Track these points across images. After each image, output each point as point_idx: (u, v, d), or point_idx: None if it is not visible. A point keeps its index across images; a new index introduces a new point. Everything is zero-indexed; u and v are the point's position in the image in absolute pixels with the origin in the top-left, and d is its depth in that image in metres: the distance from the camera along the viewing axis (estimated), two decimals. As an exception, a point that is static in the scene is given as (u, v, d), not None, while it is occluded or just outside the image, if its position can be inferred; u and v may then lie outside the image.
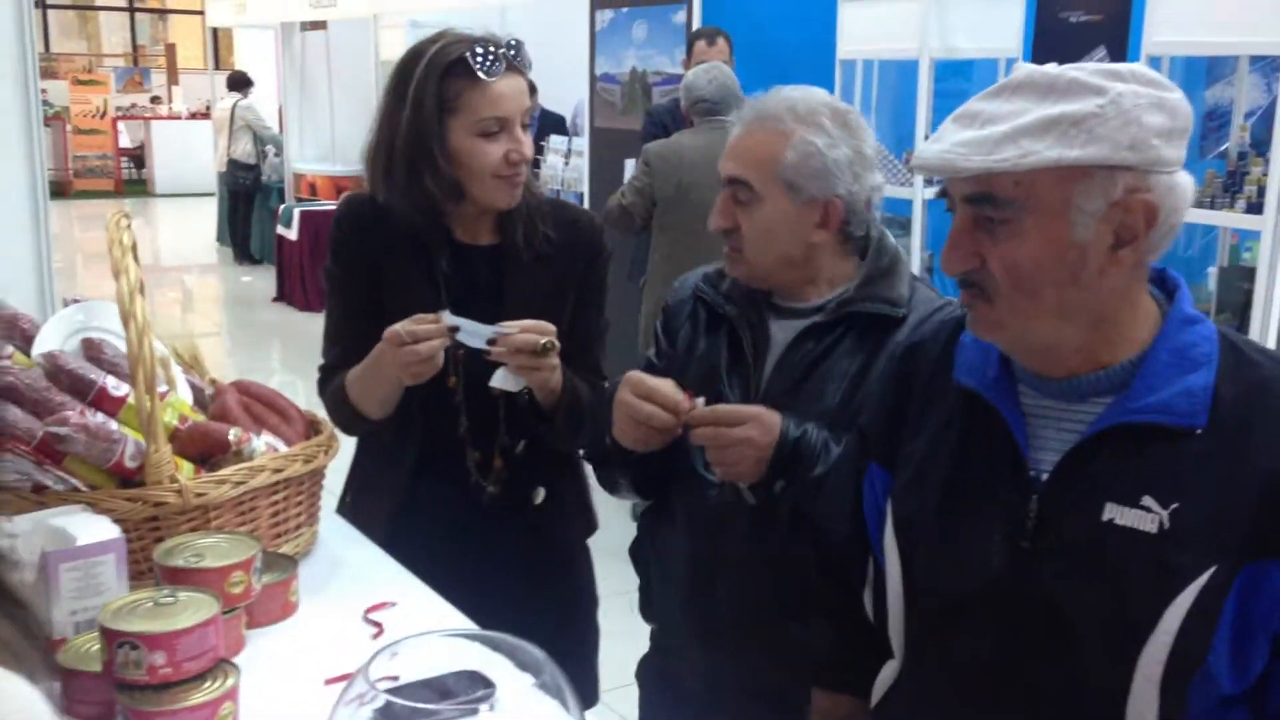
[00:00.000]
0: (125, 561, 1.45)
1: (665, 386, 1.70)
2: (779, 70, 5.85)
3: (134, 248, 1.64)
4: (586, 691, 2.20)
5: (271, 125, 12.09)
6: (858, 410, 1.67)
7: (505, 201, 1.99)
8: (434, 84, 1.91)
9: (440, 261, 2.02)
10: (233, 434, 1.65)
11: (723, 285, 1.91)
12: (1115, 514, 1.23)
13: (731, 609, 1.84)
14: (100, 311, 1.78)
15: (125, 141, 18.02)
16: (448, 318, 1.83)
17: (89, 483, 1.56)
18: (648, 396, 1.70)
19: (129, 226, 1.62)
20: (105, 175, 17.71)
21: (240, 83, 12.12)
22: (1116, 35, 5.78)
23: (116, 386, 1.63)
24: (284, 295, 10.09)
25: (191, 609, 1.33)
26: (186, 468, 1.61)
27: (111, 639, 1.29)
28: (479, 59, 1.89)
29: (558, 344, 1.86)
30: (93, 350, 1.68)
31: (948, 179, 1.27)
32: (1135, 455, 1.24)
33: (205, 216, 13.79)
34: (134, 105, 17.91)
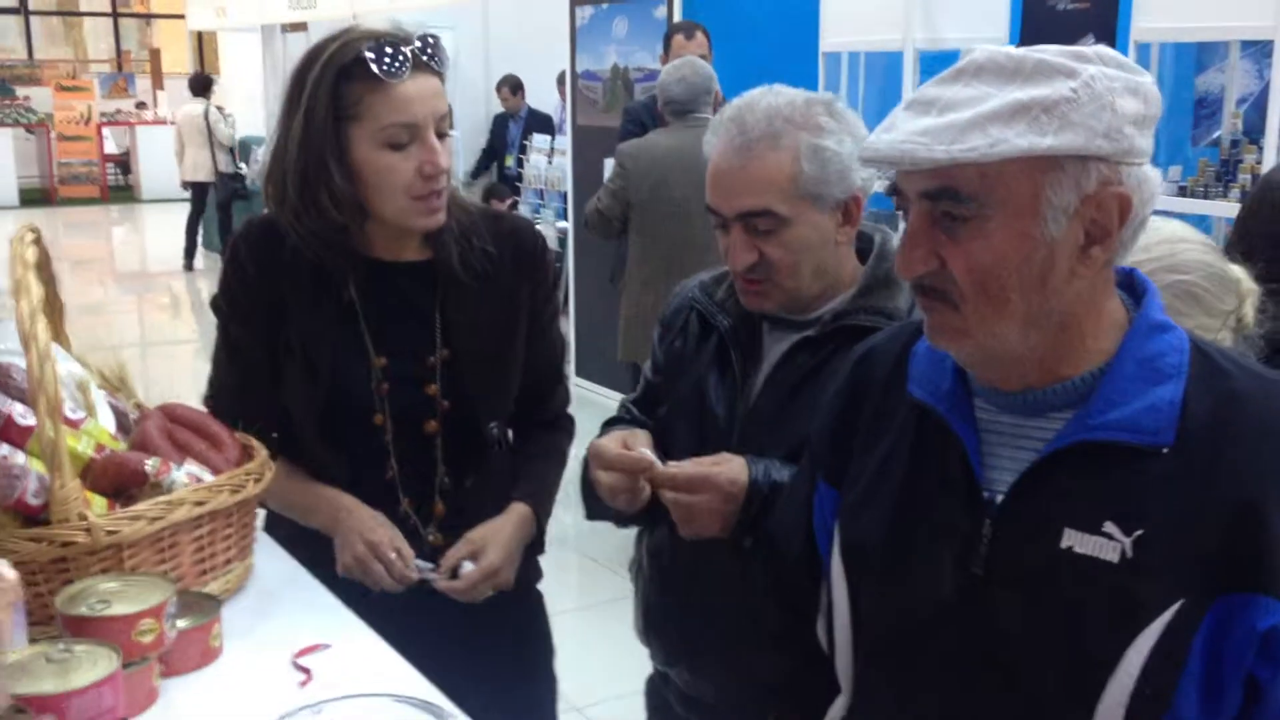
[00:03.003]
0: (23, 611, 1.33)
1: (623, 460, 1.63)
2: (761, 64, 5.73)
3: (40, 265, 1.52)
4: None
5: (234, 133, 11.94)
6: None
7: (424, 224, 1.76)
8: (328, 87, 1.68)
9: (348, 286, 1.80)
10: (149, 464, 1.52)
11: (718, 294, 1.80)
12: (1074, 541, 1.12)
13: (713, 633, 1.77)
14: (11, 333, 1.65)
15: (111, 148, 17.90)
16: (419, 570, 1.76)
17: (-9, 522, 1.44)
18: (609, 468, 1.64)
19: (34, 242, 1.50)
20: (91, 182, 17.58)
21: (204, 86, 11.93)
22: (1105, 22, 5.67)
23: (24, 415, 1.50)
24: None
25: (88, 665, 1.21)
26: (98, 503, 1.49)
27: (-4, 702, 1.16)
28: (380, 58, 1.66)
29: (502, 584, 1.80)
30: (1, 375, 1.56)
31: (900, 173, 1.15)
32: (1096, 476, 1.13)
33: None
34: (119, 111, 17.76)
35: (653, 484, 1.61)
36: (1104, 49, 1.10)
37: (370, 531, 1.73)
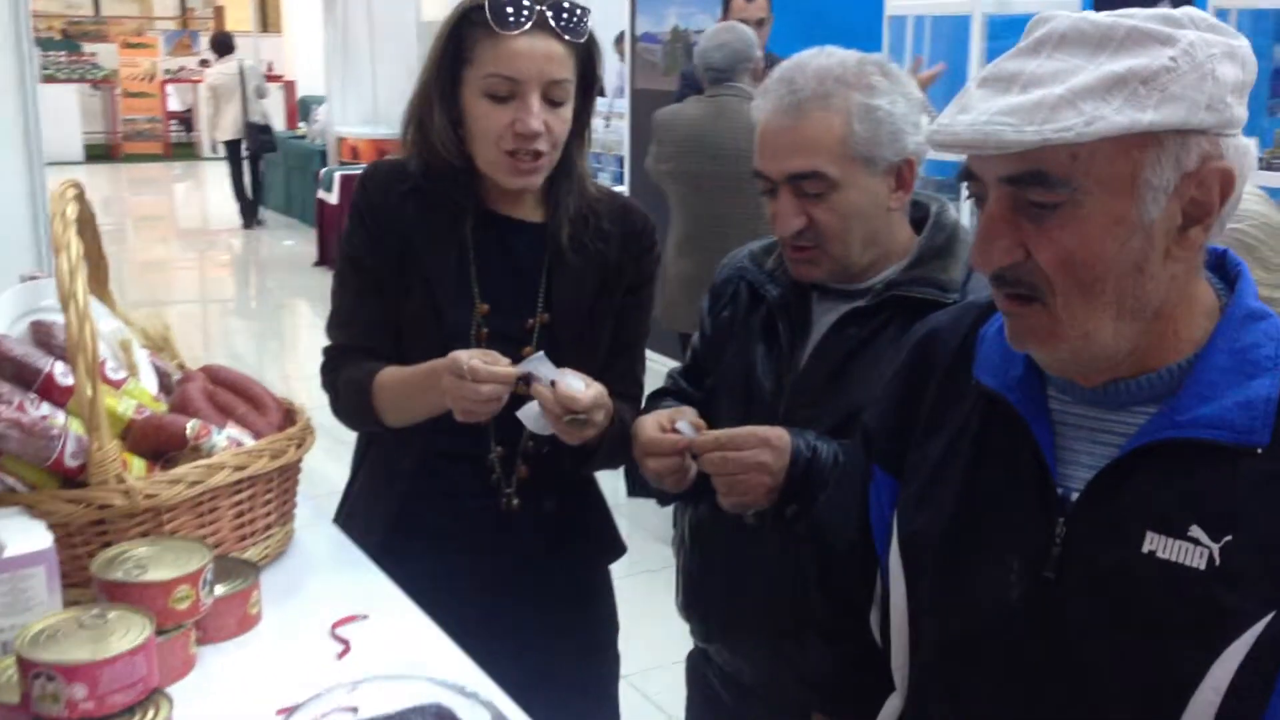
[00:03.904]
0: (58, 574, 1.31)
1: (659, 444, 1.61)
2: (823, 27, 5.61)
3: (83, 222, 1.50)
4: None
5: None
6: None
7: (512, 183, 1.76)
8: (451, 28, 1.73)
9: (466, 228, 1.81)
10: (190, 427, 1.49)
11: (767, 263, 1.76)
12: (1157, 545, 1.04)
13: (751, 615, 1.73)
14: (53, 290, 1.63)
15: (174, 104, 18.04)
16: (526, 363, 1.63)
17: (30, 483, 1.41)
18: (647, 453, 1.62)
19: (76, 198, 1.47)
20: (154, 139, 17.76)
21: (227, 45, 12.20)
22: (1183, -12, 5.50)
23: (65, 374, 1.47)
24: (325, 259, 10.01)
25: (120, 632, 1.18)
26: (138, 465, 1.46)
27: (27, 669, 1.14)
28: (500, 6, 1.66)
29: (596, 420, 1.64)
30: (42, 334, 1.53)
31: (975, 156, 1.07)
32: (1182, 477, 1.04)
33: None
34: (182, 68, 17.89)
35: (696, 450, 1.57)
36: (1195, 11, 1.02)
37: (450, 363, 1.62)
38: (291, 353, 8.12)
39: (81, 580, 1.38)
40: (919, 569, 1.23)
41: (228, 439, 1.52)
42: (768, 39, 4.98)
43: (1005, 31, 5.33)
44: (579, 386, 1.62)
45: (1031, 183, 1.03)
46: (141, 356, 1.69)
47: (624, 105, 7.28)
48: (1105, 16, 1.02)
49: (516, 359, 1.68)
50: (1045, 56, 1.03)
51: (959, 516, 1.18)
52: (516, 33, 1.67)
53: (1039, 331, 1.09)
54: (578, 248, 1.84)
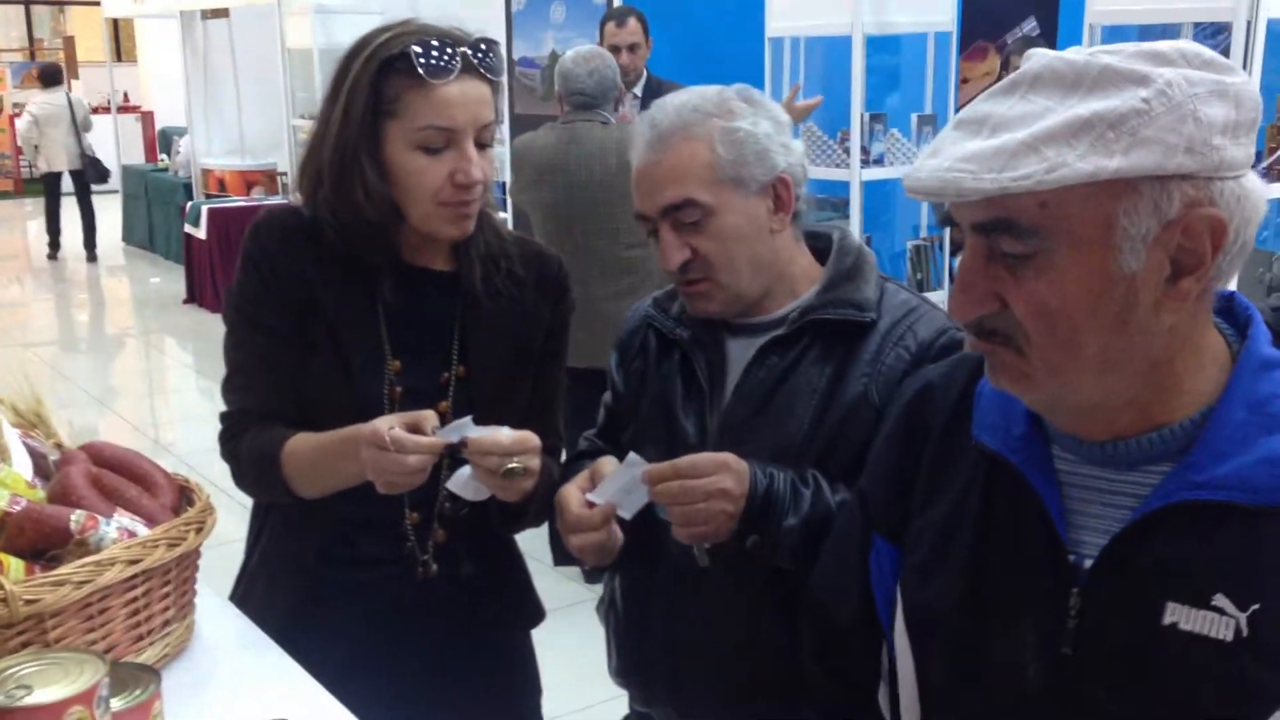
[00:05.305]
0: (-72, 702, 1.15)
1: (583, 521, 1.54)
2: (704, 51, 5.59)
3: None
4: None
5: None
6: (833, 434, 1.52)
7: (450, 232, 1.67)
8: (369, 79, 1.60)
9: (384, 286, 1.69)
10: (74, 519, 1.34)
11: (673, 308, 1.73)
12: (1179, 616, 0.98)
13: (706, 682, 1.67)
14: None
15: (25, 139, 17.30)
16: (445, 431, 1.53)
17: (-110, 594, 1.25)
18: (571, 530, 1.56)
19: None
20: (4, 175, 16.98)
21: (55, 77, 12.13)
22: (1046, 3, 5.63)
23: (-74, 467, 1.32)
24: (194, 297, 9.65)
25: (6, 772, 1.03)
26: (16, 566, 1.31)
27: (-105, 824, 0.99)
28: (426, 55, 1.57)
29: (533, 467, 1.55)
30: (-102, 421, 1.37)
31: (954, 203, 1.00)
32: (1203, 541, 0.98)
33: (110, 214, 13.25)
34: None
35: (650, 480, 1.49)
36: (1188, 45, 0.96)
37: (371, 434, 1.52)
38: (161, 394, 7.79)
39: (-44, 702, 1.23)
40: (928, 644, 1.16)
41: (118, 529, 1.38)
42: (645, 62, 4.93)
43: (880, 50, 5.39)
44: (504, 433, 1.54)
45: (1001, 231, 0.98)
46: (12, 436, 1.53)
47: (503, 131, 7.17)
48: (1082, 54, 0.97)
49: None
50: (1018, 98, 0.97)
51: (968, 589, 1.11)
52: (447, 81, 1.58)
53: (1012, 373, 1.04)
54: (491, 294, 1.74)
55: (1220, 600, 0.97)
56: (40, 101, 11.94)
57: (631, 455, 1.54)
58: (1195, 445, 1.01)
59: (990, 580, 1.10)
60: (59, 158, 11.86)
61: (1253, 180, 0.98)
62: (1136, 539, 1.01)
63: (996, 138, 0.95)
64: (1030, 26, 5.82)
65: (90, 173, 11.87)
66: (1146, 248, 0.96)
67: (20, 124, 12.77)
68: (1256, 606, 0.96)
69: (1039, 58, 0.98)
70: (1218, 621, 0.97)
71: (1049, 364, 1.00)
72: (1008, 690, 1.07)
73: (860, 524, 1.29)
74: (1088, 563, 1.04)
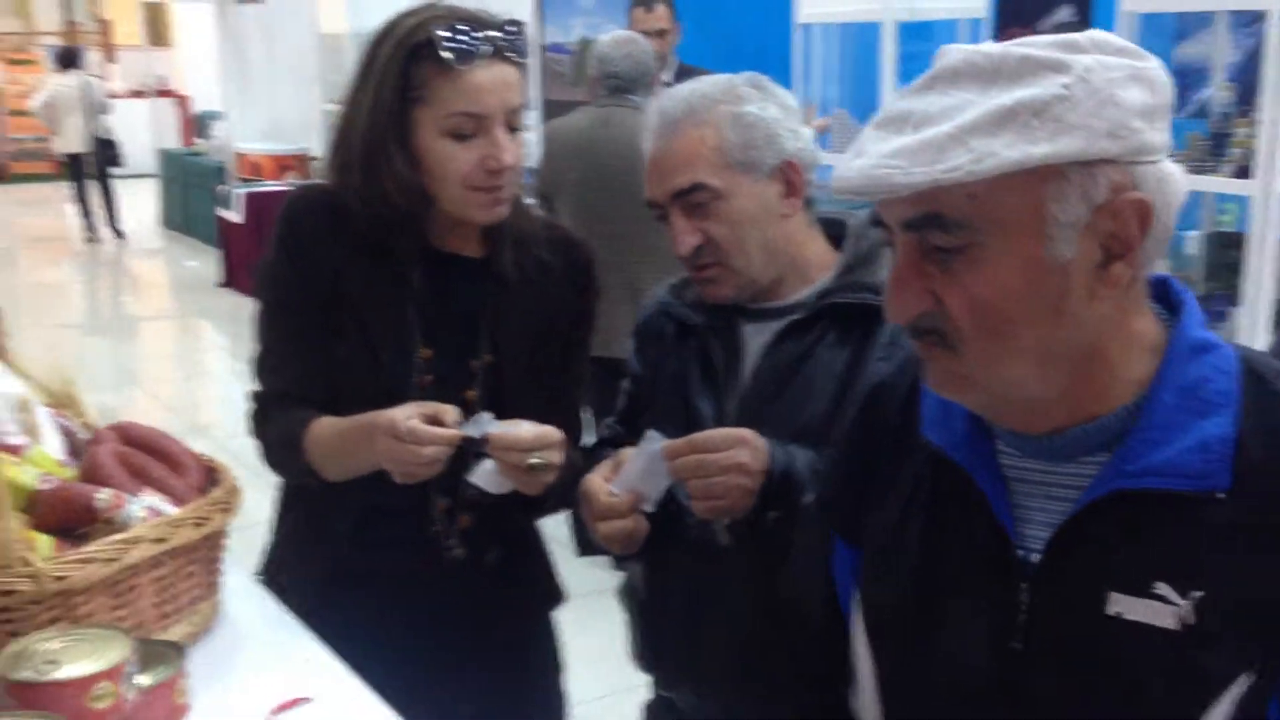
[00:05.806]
0: (-41, 675, 1.18)
1: (612, 508, 1.55)
2: (734, 36, 5.58)
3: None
4: None
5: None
6: None
7: (483, 217, 1.67)
8: (397, 66, 1.59)
9: (413, 273, 1.70)
10: (101, 498, 1.37)
11: (688, 294, 1.74)
12: (1122, 606, 0.98)
13: (724, 662, 1.68)
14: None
15: (63, 122, 17.44)
16: (466, 425, 1.53)
17: (-76, 569, 1.28)
18: (598, 518, 1.56)
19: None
20: (43, 158, 17.12)
21: (70, 59, 12.24)
22: (1086, -8, 5.57)
23: (-42, 446, 1.35)
24: (231, 281, 9.71)
25: (33, 743, 1.06)
26: (44, 544, 1.34)
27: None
28: (453, 40, 1.56)
29: (555, 462, 1.56)
30: (-68, 401, 1.40)
31: (880, 203, 1.00)
32: (1141, 529, 0.98)
33: (147, 198, 13.36)
34: (70, 85, 17.31)
35: (669, 455, 1.50)
36: (1100, 34, 0.97)
37: (388, 424, 1.53)
38: (198, 377, 7.87)
39: (-14, 676, 1.26)
40: (883, 642, 1.16)
41: (145, 509, 1.40)
42: (674, 48, 4.92)
43: (912, 37, 5.36)
44: (525, 428, 1.55)
45: (930, 226, 0.98)
46: (43, 416, 1.56)
47: (533, 117, 7.17)
48: (998, 47, 0.97)
49: (460, 404, 1.59)
50: (938, 93, 0.97)
51: (918, 586, 1.11)
52: (475, 66, 1.58)
53: (952, 379, 1.04)
54: (521, 280, 1.75)
55: (1161, 588, 0.97)
56: (55, 84, 12.07)
57: (650, 432, 1.54)
58: (1129, 433, 1.01)
59: (940, 577, 1.10)
60: (73, 140, 11.98)
61: (1170, 165, 0.99)
62: (1077, 531, 1.01)
63: (921, 133, 0.95)
64: (1065, 13, 5.76)
65: (100, 155, 11.92)
66: (1078, 235, 0.96)
67: (33, 105, 12.88)
68: (1199, 593, 0.95)
69: (954, 53, 0.98)
70: (1161, 610, 0.96)
71: (984, 359, 0.99)
72: (960, 686, 1.07)
73: (821, 526, 1.29)
74: (1035, 557, 1.04)
